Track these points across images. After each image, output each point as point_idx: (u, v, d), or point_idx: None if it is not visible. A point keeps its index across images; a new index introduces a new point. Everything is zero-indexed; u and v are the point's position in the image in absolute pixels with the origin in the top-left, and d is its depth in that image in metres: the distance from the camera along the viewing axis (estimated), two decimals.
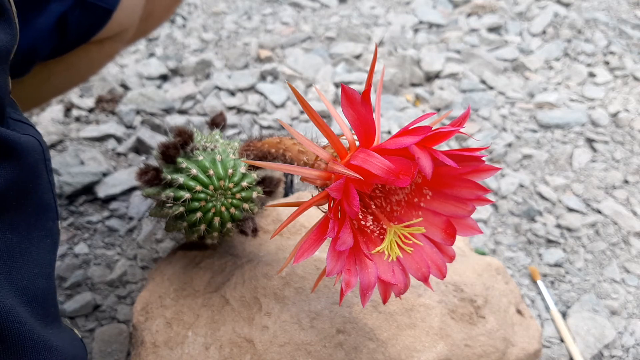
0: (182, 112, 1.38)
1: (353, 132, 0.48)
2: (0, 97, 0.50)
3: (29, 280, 0.48)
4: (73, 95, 1.39)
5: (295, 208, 0.50)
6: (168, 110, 1.37)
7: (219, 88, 1.46)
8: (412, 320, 0.69)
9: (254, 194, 0.70)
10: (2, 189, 0.46)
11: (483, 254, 1.02)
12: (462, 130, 0.45)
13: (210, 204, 0.68)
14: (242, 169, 0.69)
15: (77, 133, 1.28)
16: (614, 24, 1.77)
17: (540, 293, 1.01)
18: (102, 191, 1.12)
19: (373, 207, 0.52)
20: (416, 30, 1.76)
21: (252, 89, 1.47)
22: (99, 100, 1.38)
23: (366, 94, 0.44)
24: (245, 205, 0.69)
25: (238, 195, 0.69)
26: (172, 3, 1.04)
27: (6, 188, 0.47)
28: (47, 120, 1.31)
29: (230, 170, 0.68)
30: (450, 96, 1.45)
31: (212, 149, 0.71)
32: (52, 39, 0.75)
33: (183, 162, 0.68)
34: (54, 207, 0.57)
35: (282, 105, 1.40)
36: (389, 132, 1.33)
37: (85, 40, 0.82)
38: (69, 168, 1.15)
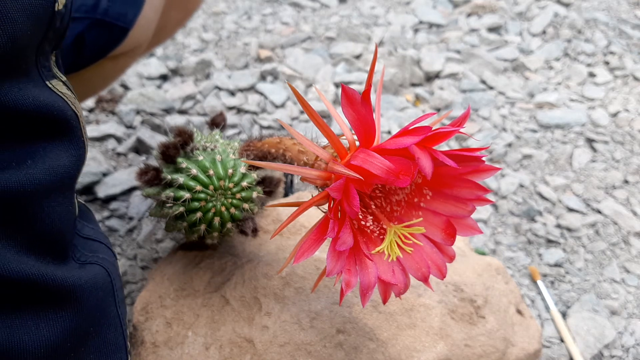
0: (182, 112, 1.38)
1: (353, 132, 0.48)
2: (62, 232, 0.45)
3: None
4: None
5: (295, 208, 0.50)
6: (168, 110, 1.37)
7: (219, 88, 1.46)
8: (412, 320, 0.69)
9: (254, 194, 0.70)
10: (57, 341, 0.42)
11: (483, 254, 1.02)
12: (462, 130, 0.45)
13: (210, 204, 0.68)
14: (242, 169, 0.69)
15: None
16: (614, 24, 1.77)
17: (540, 293, 1.01)
18: (102, 191, 1.12)
19: (373, 207, 0.52)
20: (416, 30, 1.76)
21: (252, 89, 1.47)
22: (99, 100, 1.38)
23: (366, 94, 0.44)
24: (245, 205, 0.69)
25: (238, 195, 0.69)
26: (184, 16, 1.03)
27: (62, 340, 0.42)
28: None
29: (230, 170, 0.68)
30: (450, 96, 1.45)
31: (212, 149, 0.71)
32: (68, 58, 0.74)
33: (183, 162, 0.68)
34: (122, 346, 0.51)
35: (282, 105, 1.40)
36: (389, 132, 1.33)
37: (100, 58, 0.81)
38: None
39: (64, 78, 0.50)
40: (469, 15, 1.83)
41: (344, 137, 0.50)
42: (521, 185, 1.22)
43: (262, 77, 1.51)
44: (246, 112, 1.38)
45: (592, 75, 1.57)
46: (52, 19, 0.45)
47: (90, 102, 1.38)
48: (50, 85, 0.47)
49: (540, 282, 1.02)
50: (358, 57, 1.61)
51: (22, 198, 0.41)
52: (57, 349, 0.42)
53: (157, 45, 1.11)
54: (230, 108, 1.39)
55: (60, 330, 0.42)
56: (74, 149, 0.47)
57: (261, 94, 1.44)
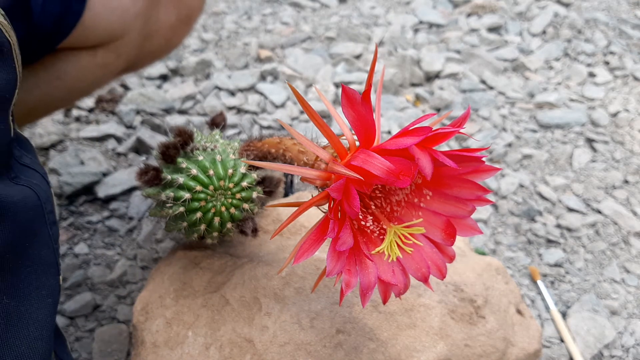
0: (182, 112, 1.38)
1: (353, 132, 0.48)
2: None
3: (28, 345, 0.46)
4: None
5: (295, 208, 0.50)
6: (168, 110, 1.37)
7: (219, 88, 1.46)
8: (412, 320, 0.69)
9: (254, 194, 0.70)
10: None
11: (483, 254, 1.02)
12: (462, 130, 0.45)
13: (210, 204, 0.68)
14: (242, 169, 0.69)
15: (77, 133, 1.28)
16: (614, 24, 1.77)
17: (540, 293, 1.01)
18: (102, 191, 1.12)
19: (373, 207, 0.52)
20: (416, 30, 1.77)
21: (252, 89, 1.47)
22: (99, 100, 1.38)
23: (366, 94, 0.44)
24: (245, 205, 0.69)
25: (238, 195, 0.69)
26: (180, 24, 0.99)
27: (1, 251, 0.45)
28: (47, 120, 1.31)
29: (230, 170, 0.68)
30: (450, 96, 1.45)
31: (212, 149, 0.71)
32: (17, 21, 0.72)
33: (183, 162, 0.68)
34: (54, 263, 0.55)
35: (282, 105, 1.40)
36: (389, 132, 1.33)
37: (63, 32, 0.78)
38: (69, 168, 1.15)
39: (2, 11, 0.52)
40: (469, 15, 1.83)
41: (344, 137, 0.50)
42: (521, 185, 1.22)
43: (262, 77, 1.51)
44: (246, 112, 1.38)
45: (592, 75, 1.57)
46: None
47: (90, 102, 1.38)
48: None
49: (540, 282, 1.02)
50: (358, 57, 1.61)
51: None
52: None
53: (153, 59, 1.07)
54: (230, 108, 1.39)
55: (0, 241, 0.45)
56: (5, 73, 0.49)
57: (261, 94, 1.44)
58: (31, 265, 0.50)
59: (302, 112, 1.38)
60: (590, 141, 1.35)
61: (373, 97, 1.29)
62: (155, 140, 1.24)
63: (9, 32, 0.51)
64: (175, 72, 1.52)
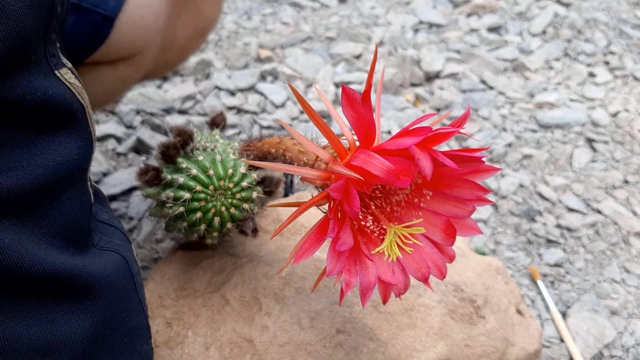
0: (182, 112, 1.38)
1: (353, 132, 0.48)
2: (78, 223, 0.46)
3: None
4: None
5: (295, 208, 0.50)
6: (168, 110, 1.37)
7: (219, 88, 1.46)
8: (412, 320, 0.69)
9: (254, 194, 0.70)
10: (96, 331, 0.44)
11: (483, 254, 1.02)
12: (462, 130, 0.45)
13: (210, 204, 0.68)
14: (242, 169, 0.69)
15: None
16: (614, 24, 1.77)
17: (540, 293, 1.01)
18: (102, 191, 1.12)
19: (373, 207, 0.52)
20: (416, 30, 1.76)
21: (252, 89, 1.47)
22: None
23: (366, 94, 0.44)
24: (245, 205, 0.69)
25: (238, 195, 0.69)
26: (196, 36, 1.00)
27: (101, 329, 0.45)
28: None
29: (230, 170, 0.68)
30: (450, 96, 1.45)
31: (212, 149, 0.71)
32: None
33: (183, 162, 0.68)
34: (146, 326, 0.54)
35: (282, 105, 1.40)
36: (389, 132, 1.33)
37: (90, 50, 0.80)
38: None
39: (69, 65, 0.51)
40: (469, 15, 1.83)
41: (344, 137, 0.50)
42: (521, 185, 1.22)
43: (262, 77, 1.51)
44: (246, 112, 1.38)
45: (592, 75, 1.57)
46: (52, 6, 0.46)
47: None
48: (59, 75, 0.47)
49: (540, 282, 1.02)
50: (358, 57, 1.61)
51: (30, 194, 0.42)
52: (97, 337, 0.44)
53: (170, 67, 1.07)
54: (230, 108, 1.39)
55: (99, 320, 0.45)
56: (81, 141, 0.48)
57: (261, 94, 1.44)
58: (127, 335, 0.50)
59: (302, 112, 1.38)
60: (590, 141, 1.35)
61: (373, 97, 1.29)
62: (155, 140, 1.24)
63: (82, 93, 0.49)
64: (175, 72, 1.52)
